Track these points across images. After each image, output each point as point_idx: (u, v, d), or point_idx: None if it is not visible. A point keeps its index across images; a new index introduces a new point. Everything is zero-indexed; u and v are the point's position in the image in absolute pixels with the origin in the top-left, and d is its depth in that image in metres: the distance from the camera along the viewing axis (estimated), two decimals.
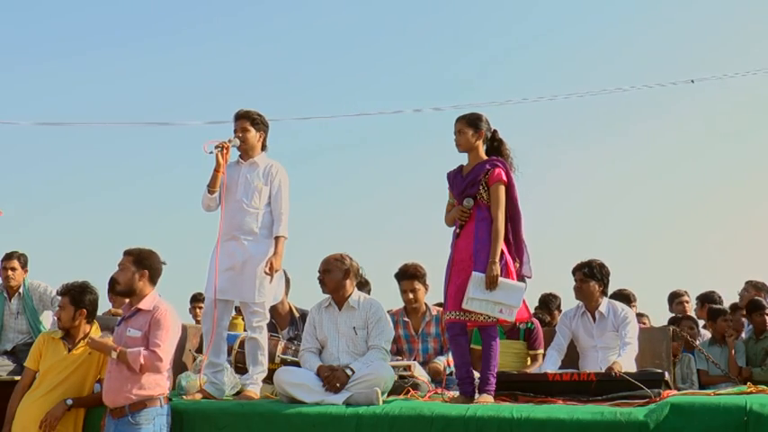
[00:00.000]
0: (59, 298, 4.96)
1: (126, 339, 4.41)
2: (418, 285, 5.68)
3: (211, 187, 5.07)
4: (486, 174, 4.54)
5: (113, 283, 4.98)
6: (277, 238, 5.02)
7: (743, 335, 6.80)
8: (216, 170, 5.05)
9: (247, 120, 5.17)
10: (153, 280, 4.54)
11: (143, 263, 4.49)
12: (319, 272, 5.03)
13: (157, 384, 4.34)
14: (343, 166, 18.06)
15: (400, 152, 17.81)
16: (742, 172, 16.09)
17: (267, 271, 4.93)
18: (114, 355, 4.31)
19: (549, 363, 5.29)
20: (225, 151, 5.06)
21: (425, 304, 5.75)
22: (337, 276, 4.95)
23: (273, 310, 5.65)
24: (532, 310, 5.68)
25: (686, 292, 7.71)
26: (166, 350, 4.35)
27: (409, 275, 5.67)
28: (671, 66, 17.92)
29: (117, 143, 17.22)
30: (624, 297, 6.53)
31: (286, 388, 4.59)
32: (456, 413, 4.07)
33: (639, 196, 16.66)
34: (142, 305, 4.44)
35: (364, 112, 12.44)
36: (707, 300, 7.40)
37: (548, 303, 7.18)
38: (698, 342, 6.60)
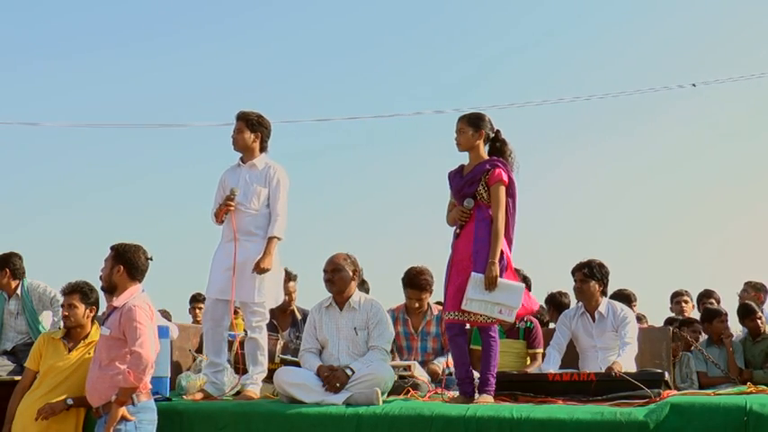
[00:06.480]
0: (60, 298, 4.94)
1: (100, 339, 4.23)
2: (425, 295, 5.66)
3: (216, 219, 5.12)
4: (486, 174, 4.52)
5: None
6: (270, 239, 5.00)
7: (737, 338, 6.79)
8: (223, 210, 5.06)
9: (243, 121, 5.17)
10: (132, 275, 4.28)
11: (121, 257, 4.26)
12: (327, 271, 4.96)
13: None
14: (346, 166, 18.10)
15: (403, 152, 17.85)
16: (742, 172, 16.12)
17: (255, 271, 4.91)
18: (121, 404, 4.00)
19: (550, 362, 5.30)
20: (232, 207, 5.04)
21: (427, 303, 5.73)
22: (347, 276, 4.94)
23: (276, 310, 5.65)
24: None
25: (686, 291, 7.67)
26: (143, 343, 4.00)
27: (418, 287, 5.61)
28: (673, 69, 17.99)
29: (117, 143, 17.25)
30: (624, 297, 6.51)
31: (286, 388, 4.59)
32: (456, 413, 4.07)
33: (639, 196, 16.69)
34: (116, 302, 4.21)
35: (365, 115, 12.49)
36: (704, 298, 7.42)
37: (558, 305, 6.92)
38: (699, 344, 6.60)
